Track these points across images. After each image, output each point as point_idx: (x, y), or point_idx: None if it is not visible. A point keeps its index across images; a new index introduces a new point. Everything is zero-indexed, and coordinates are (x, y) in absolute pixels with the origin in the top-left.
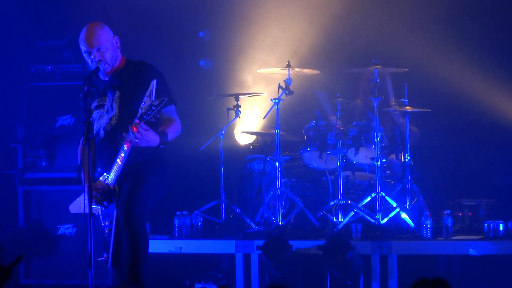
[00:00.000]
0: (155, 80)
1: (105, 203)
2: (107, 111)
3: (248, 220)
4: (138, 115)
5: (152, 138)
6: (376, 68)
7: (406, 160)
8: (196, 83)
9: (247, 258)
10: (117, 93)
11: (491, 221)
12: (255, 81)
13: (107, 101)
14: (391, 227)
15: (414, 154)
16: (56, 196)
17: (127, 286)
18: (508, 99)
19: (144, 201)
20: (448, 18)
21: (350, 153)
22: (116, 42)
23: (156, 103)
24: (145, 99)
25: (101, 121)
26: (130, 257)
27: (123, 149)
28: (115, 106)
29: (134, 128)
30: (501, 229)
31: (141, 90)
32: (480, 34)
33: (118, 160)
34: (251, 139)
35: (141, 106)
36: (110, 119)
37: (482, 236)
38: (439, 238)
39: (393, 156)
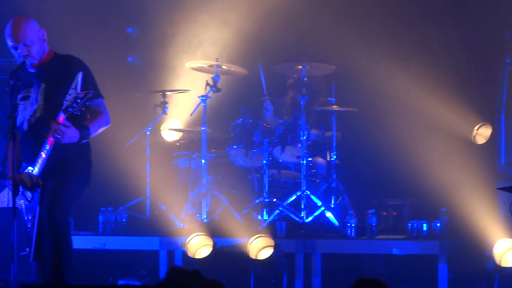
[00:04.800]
0: (81, 73)
1: (29, 194)
2: (32, 104)
3: (173, 217)
4: (63, 107)
5: (73, 135)
6: (303, 67)
7: (332, 159)
8: (124, 79)
9: (171, 255)
10: (43, 85)
11: (415, 221)
12: (182, 78)
13: (32, 93)
14: (316, 225)
15: (339, 154)
16: None
17: (50, 282)
18: (434, 100)
19: (67, 199)
20: (376, 17)
21: (276, 151)
22: (43, 35)
23: (81, 95)
24: (71, 91)
25: (25, 113)
26: (53, 255)
27: (47, 143)
28: (40, 98)
29: (55, 125)
30: (424, 229)
31: (67, 82)
32: (408, 33)
33: (42, 153)
34: (177, 136)
35: (66, 98)
36: (34, 111)
37: (405, 236)
38: (363, 237)
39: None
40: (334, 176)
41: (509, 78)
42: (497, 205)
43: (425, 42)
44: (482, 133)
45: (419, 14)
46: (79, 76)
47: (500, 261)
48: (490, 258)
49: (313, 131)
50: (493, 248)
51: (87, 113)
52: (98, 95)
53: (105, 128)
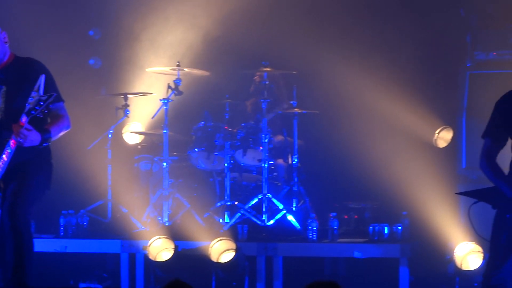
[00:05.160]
0: (43, 76)
1: None
2: None
3: (134, 220)
4: (26, 110)
5: (35, 138)
6: (265, 70)
7: (294, 162)
8: (86, 81)
9: (132, 258)
10: (4, 88)
11: (376, 224)
12: (144, 81)
13: None
14: (277, 229)
15: (301, 157)
16: None
17: (11, 285)
18: (396, 103)
19: (29, 202)
20: (338, 21)
21: (238, 155)
22: (4, 38)
23: (44, 98)
24: (33, 94)
25: None
26: (14, 258)
27: (9, 145)
28: (1, 101)
29: (18, 128)
30: (386, 232)
31: (29, 85)
32: (369, 37)
33: (4, 156)
34: (139, 138)
35: (29, 101)
36: None
37: (367, 239)
38: (325, 241)
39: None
40: (296, 179)
41: (470, 81)
42: (458, 209)
43: (387, 46)
44: (443, 137)
45: (381, 18)
46: (42, 78)
47: (461, 264)
48: (451, 261)
49: (277, 138)
50: (454, 251)
51: (48, 116)
52: (59, 98)
53: (65, 132)
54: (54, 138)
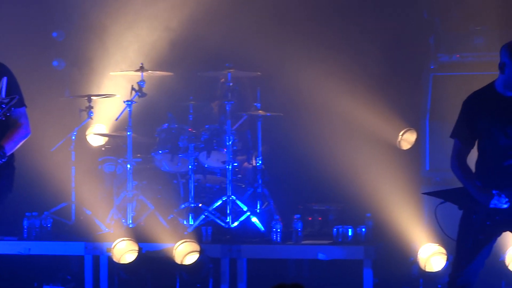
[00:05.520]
0: (5, 78)
1: None
2: None
3: (98, 222)
4: None
5: None
6: (229, 72)
7: (258, 164)
8: (49, 83)
9: (96, 260)
10: None
11: (340, 226)
12: (108, 83)
13: None
14: (241, 230)
15: (265, 159)
16: None
17: None
18: (360, 105)
19: None
20: (302, 23)
21: (202, 156)
22: None
23: (6, 100)
24: None
25: None
26: None
27: None
28: None
29: None
30: (350, 234)
31: None
32: (332, 39)
33: None
34: (103, 140)
35: None
36: None
37: (331, 241)
38: (289, 242)
39: (245, 159)
40: (260, 181)
41: (433, 83)
42: (422, 210)
43: (351, 48)
44: (407, 139)
45: (345, 20)
46: (4, 81)
47: (425, 266)
48: (414, 263)
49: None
50: (418, 253)
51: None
52: (21, 103)
53: (24, 140)
54: (9, 153)
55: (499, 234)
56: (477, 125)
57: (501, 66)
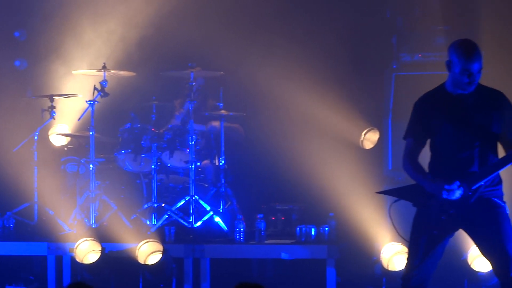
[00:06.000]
0: None
1: None
2: None
3: (61, 222)
4: None
5: None
6: (192, 72)
7: (221, 164)
8: (11, 83)
9: (59, 261)
10: None
11: (303, 226)
12: (70, 83)
13: None
14: (205, 230)
15: (228, 158)
16: None
17: None
18: (323, 105)
19: None
20: (266, 22)
21: (165, 156)
22: None
23: None
24: None
25: None
26: None
27: None
28: None
29: None
30: (313, 233)
31: None
32: (296, 39)
33: None
34: (65, 140)
35: None
36: None
37: (294, 240)
38: (252, 242)
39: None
40: (223, 181)
41: (396, 83)
42: (385, 210)
43: (314, 48)
44: (370, 138)
45: (308, 20)
46: None
47: (388, 265)
48: (377, 262)
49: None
50: (381, 252)
51: None
52: None
53: None
54: None
55: (453, 232)
56: (429, 124)
57: (448, 64)
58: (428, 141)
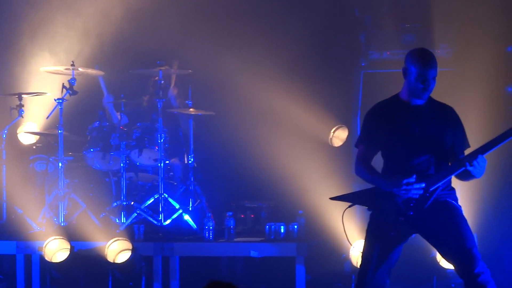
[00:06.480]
0: None
1: None
2: None
3: (30, 221)
4: None
5: None
6: (160, 70)
7: (190, 162)
8: None
9: (28, 259)
10: None
11: (272, 223)
12: (39, 81)
13: None
14: (174, 228)
15: (197, 156)
16: None
17: None
18: (292, 103)
19: None
20: (234, 21)
21: (134, 154)
22: None
23: None
24: None
25: None
26: None
27: None
28: None
29: None
30: (282, 231)
31: None
32: (265, 38)
33: None
34: (34, 139)
35: None
36: None
37: (263, 238)
38: (221, 240)
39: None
40: (192, 179)
41: (364, 80)
42: (353, 208)
43: (283, 46)
44: (339, 136)
45: (277, 18)
46: None
47: (357, 263)
48: (347, 260)
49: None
50: (350, 249)
51: None
52: None
53: None
54: None
55: (408, 237)
56: (382, 133)
57: (404, 71)
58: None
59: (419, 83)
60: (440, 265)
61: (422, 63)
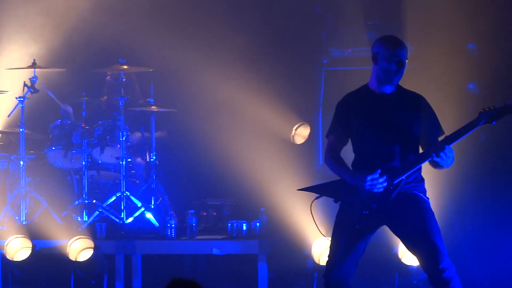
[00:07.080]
0: None
1: None
2: None
3: None
4: None
5: None
6: (122, 68)
7: (152, 160)
8: None
9: None
10: None
11: (234, 221)
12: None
13: None
14: (136, 226)
15: (159, 154)
16: None
17: None
18: (253, 100)
19: None
20: (196, 18)
21: (95, 152)
22: None
23: None
24: None
25: None
26: None
27: None
28: None
29: None
30: (244, 228)
31: None
32: (227, 36)
33: None
34: None
35: None
36: None
37: (225, 236)
38: (183, 238)
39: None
40: (154, 177)
41: (326, 78)
42: (314, 204)
43: (244, 43)
44: (301, 133)
45: (238, 15)
46: None
47: (319, 260)
48: (309, 257)
49: (135, 135)
50: (312, 247)
51: None
52: None
53: None
54: None
55: (375, 229)
56: (352, 124)
57: (375, 56)
58: (350, 142)
59: (392, 64)
60: (402, 261)
61: (394, 44)
